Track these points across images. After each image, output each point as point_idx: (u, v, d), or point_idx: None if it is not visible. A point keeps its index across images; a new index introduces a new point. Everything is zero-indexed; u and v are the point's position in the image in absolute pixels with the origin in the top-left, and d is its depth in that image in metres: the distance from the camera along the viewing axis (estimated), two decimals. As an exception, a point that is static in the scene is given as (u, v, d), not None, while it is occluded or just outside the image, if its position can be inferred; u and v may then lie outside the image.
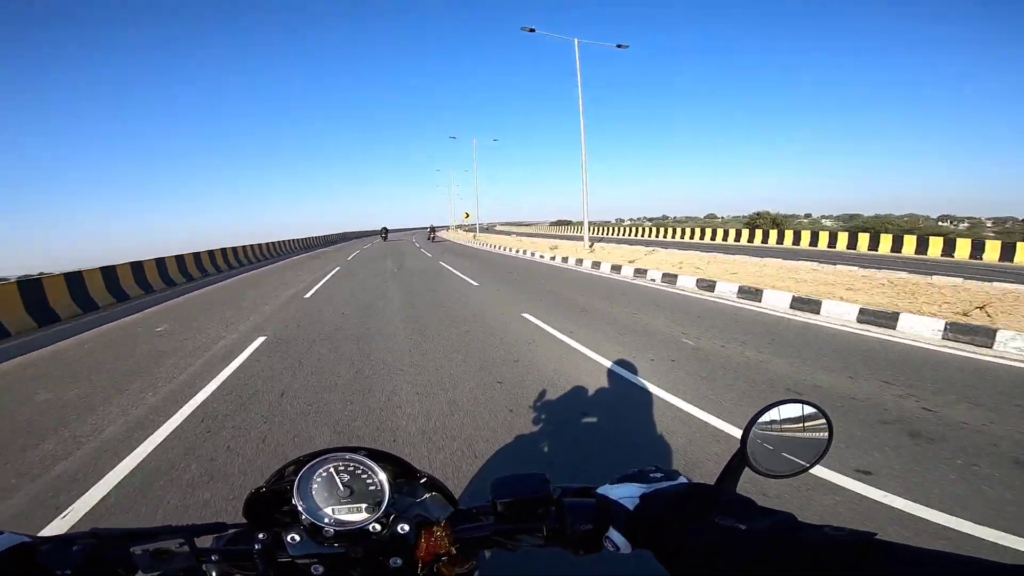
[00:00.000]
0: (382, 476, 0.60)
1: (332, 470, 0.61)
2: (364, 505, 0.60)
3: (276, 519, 0.63)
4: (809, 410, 0.58)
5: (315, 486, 0.61)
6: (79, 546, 0.55)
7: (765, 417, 0.58)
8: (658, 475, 0.59)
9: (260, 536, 0.58)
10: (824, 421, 0.57)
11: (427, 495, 0.67)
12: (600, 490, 0.60)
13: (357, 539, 0.58)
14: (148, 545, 0.56)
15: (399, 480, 0.64)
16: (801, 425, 0.58)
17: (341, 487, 0.61)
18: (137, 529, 0.58)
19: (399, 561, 0.59)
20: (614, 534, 0.55)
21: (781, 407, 0.58)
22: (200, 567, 0.57)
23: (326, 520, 0.58)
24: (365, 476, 0.61)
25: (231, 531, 0.62)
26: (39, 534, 0.58)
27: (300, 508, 0.58)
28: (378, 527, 0.58)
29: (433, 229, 44.35)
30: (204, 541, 0.60)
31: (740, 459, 0.56)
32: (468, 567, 0.64)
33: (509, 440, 3.05)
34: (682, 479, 0.58)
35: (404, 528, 0.59)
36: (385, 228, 44.52)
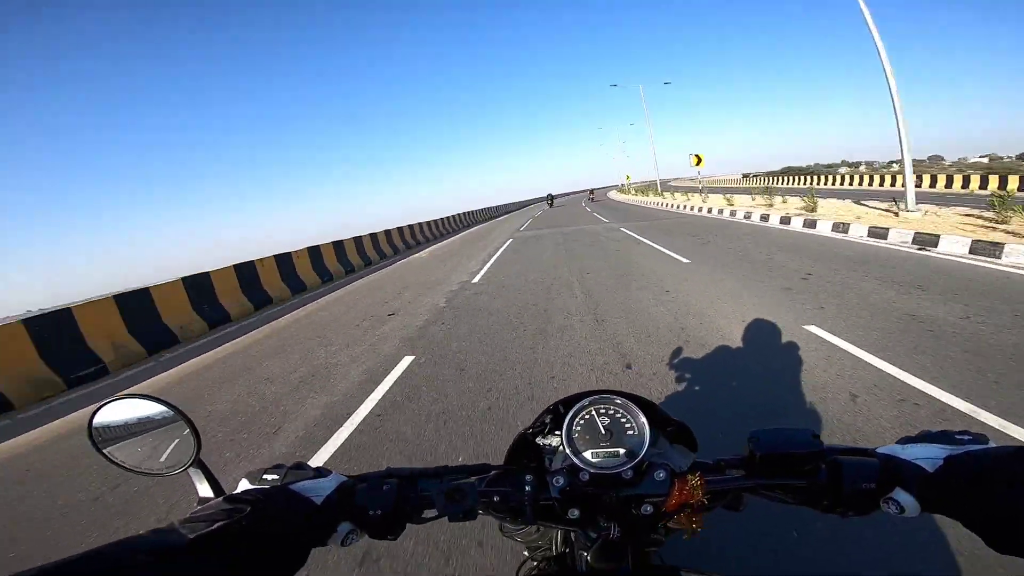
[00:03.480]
0: (643, 421, 0.63)
1: (594, 413, 0.65)
2: (621, 450, 0.61)
3: (525, 462, 0.69)
4: None
5: (578, 429, 0.64)
6: (388, 485, 0.60)
7: None
8: (965, 437, 0.54)
9: (528, 478, 0.61)
10: None
11: (667, 444, 0.69)
12: (883, 450, 0.57)
13: (610, 484, 0.59)
14: (441, 485, 0.60)
15: (650, 427, 0.65)
16: None
17: (602, 430, 0.63)
18: (422, 469, 0.65)
19: (650, 508, 0.59)
20: (902, 495, 0.53)
21: None
22: (477, 508, 0.60)
23: (586, 463, 0.61)
24: (624, 420, 0.64)
25: (493, 472, 0.65)
26: (352, 474, 0.65)
27: (567, 450, 0.62)
28: (631, 473, 0.59)
29: (592, 191, 55.12)
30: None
31: None
32: (701, 519, 0.61)
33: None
34: (992, 443, 0.53)
35: (661, 476, 0.59)
36: (550, 195, 47.14)
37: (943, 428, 0.56)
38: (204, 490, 0.60)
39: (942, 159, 69.89)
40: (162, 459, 0.61)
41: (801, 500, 0.58)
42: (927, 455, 0.53)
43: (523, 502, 0.60)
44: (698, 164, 25.09)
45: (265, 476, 0.59)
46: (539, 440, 0.70)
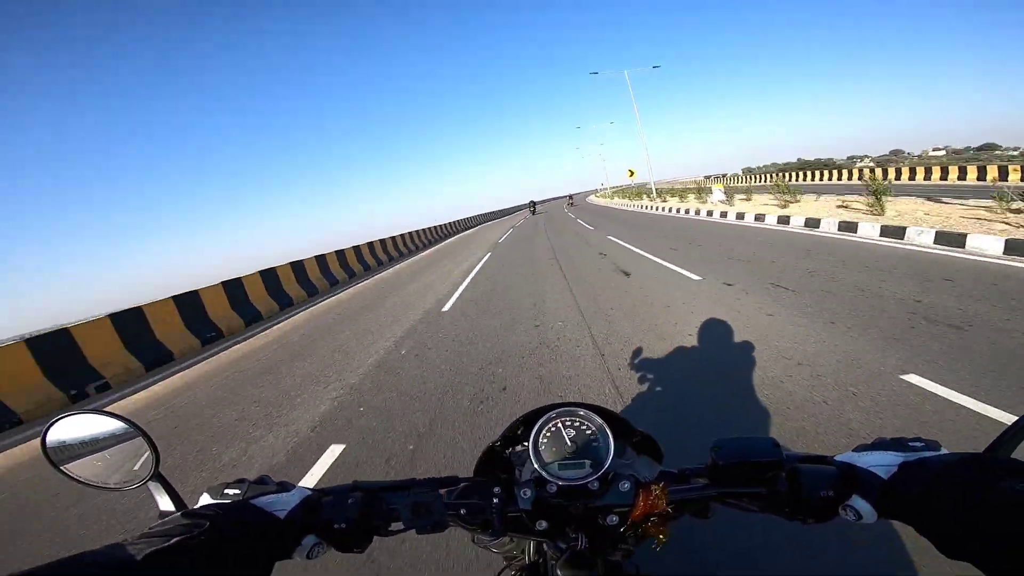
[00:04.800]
0: (608, 433, 0.64)
1: (560, 425, 0.66)
2: (588, 461, 0.62)
3: (496, 473, 0.70)
4: None
5: (544, 441, 0.65)
6: (352, 499, 0.61)
7: None
8: (918, 444, 0.56)
9: (495, 490, 0.62)
10: None
11: (634, 454, 0.71)
12: (840, 457, 0.59)
13: (577, 495, 0.61)
14: (408, 498, 0.62)
15: (616, 438, 0.65)
16: None
17: (568, 442, 0.64)
18: (391, 482, 0.66)
19: (615, 519, 0.60)
20: (859, 502, 0.54)
21: None
22: (445, 520, 0.61)
23: (553, 474, 0.62)
24: (589, 432, 0.65)
25: (463, 484, 0.66)
26: (318, 486, 0.66)
27: (534, 463, 0.63)
28: (597, 484, 0.61)
29: (571, 197, 57.75)
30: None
31: None
32: (668, 527, 0.63)
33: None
34: (944, 450, 0.55)
35: (625, 486, 0.60)
36: (532, 202, 45.88)
37: (896, 436, 0.57)
38: (165, 504, 0.61)
39: (903, 152, 72.60)
40: (120, 474, 0.62)
41: (763, 508, 0.60)
42: (882, 462, 0.54)
43: (491, 514, 0.61)
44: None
45: (227, 491, 0.59)
46: (509, 451, 0.71)
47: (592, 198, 63.74)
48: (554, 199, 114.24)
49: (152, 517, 0.55)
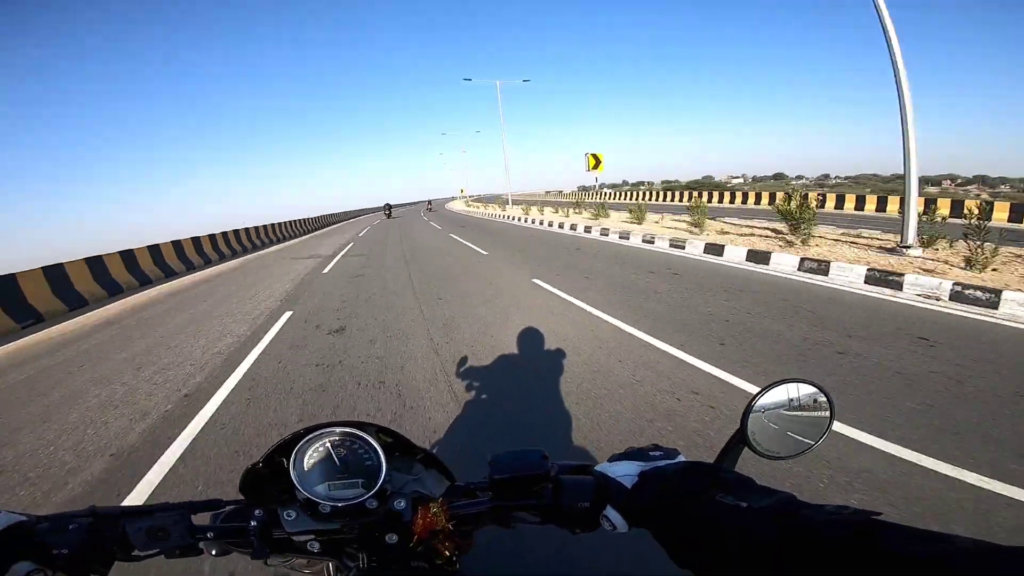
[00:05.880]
0: (379, 451, 0.61)
1: (328, 445, 0.62)
2: (361, 481, 0.60)
3: (272, 495, 0.64)
4: (809, 389, 0.59)
5: (311, 461, 0.62)
6: (76, 524, 0.56)
7: (765, 397, 0.59)
8: (657, 453, 0.59)
9: (256, 513, 0.60)
10: (825, 400, 0.59)
11: (423, 471, 0.68)
12: (598, 468, 0.61)
13: (353, 515, 0.60)
14: (143, 523, 0.58)
15: (396, 455, 0.64)
16: (801, 405, 0.59)
17: (337, 462, 0.62)
18: (134, 507, 0.61)
19: (395, 537, 0.60)
20: (611, 512, 0.55)
21: (781, 387, 0.59)
22: (196, 544, 0.59)
23: (322, 496, 0.59)
24: (362, 451, 0.62)
25: (228, 507, 0.63)
26: (39, 513, 0.59)
27: (296, 484, 0.60)
28: (375, 503, 0.59)
29: (429, 202, 58.81)
30: (203, 519, 0.62)
31: (739, 439, 0.59)
32: (466, 544, 0.63)
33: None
34: (681, 458, 0.59)
35: (400, 504, 0.60)
36: (388, 204, 42.58)
37: (642, 446, 0.61)
38: None
39: (712, 177, 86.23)
40: None
41: (541, 519, 0.61)
42: (628, 472, 0.57)
43: (251, 537, 0.59)
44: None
45: None
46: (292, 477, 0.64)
47: (451, 205, 62.66)
48: (413, 203, 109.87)
49: None
